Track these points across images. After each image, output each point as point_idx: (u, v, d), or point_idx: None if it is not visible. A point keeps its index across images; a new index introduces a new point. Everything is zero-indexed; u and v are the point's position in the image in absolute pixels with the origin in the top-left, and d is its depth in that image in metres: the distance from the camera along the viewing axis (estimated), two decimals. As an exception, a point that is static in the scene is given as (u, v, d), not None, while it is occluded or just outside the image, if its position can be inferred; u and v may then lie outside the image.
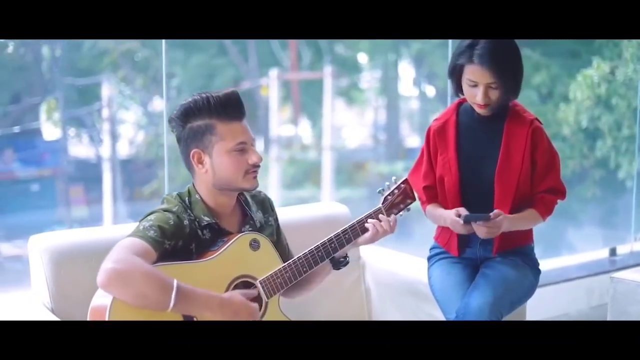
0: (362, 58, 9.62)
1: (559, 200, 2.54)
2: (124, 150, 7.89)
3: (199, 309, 1.95)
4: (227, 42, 8.20)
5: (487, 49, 2.34)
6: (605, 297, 3.90)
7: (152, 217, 2.05)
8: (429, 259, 2.65)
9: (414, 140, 9.95)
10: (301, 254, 2.19)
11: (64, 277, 2.25)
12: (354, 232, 2.26)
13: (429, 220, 2.62)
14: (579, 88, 5.61)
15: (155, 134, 7.63)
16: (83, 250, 2.29)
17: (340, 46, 9.06)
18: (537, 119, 2.49)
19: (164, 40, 3.38)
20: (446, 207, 2.49)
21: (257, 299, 2.11)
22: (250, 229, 2.20)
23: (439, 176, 2.52)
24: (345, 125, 9.88)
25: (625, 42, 5.45)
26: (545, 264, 4.15)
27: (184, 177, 2.38)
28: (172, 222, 2.04)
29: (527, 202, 2.49)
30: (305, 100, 9.26)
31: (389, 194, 2.34)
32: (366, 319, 2.93)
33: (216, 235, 2.13)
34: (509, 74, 2.38)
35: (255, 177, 2.16)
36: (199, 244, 2.10)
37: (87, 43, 6.79)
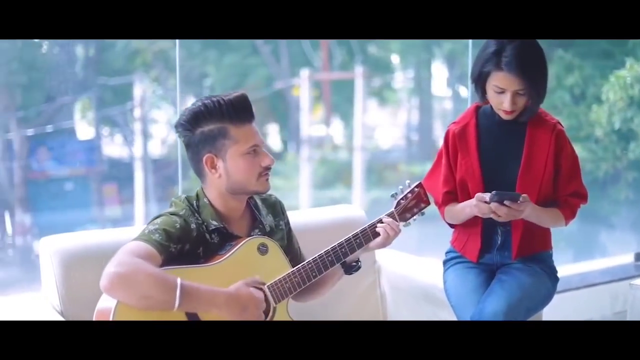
0: (395, 58, 9.56)
1: (581, 205, 2.51)
2: (156, 149, 7.93)
3: (204, 306, 1.94)
4: (259, 42, 8.20)
5: (514, 55, 2.30)
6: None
7: (158, 220, 2.05)
8: (445, 263, 2.63)
9: (447, 142, 9.83)
10: (310, 259, 2.18)
11: (74, 280, 2.26)
12: (365, 236, 2.24)
13: (445, 223, 2.59)
14: (612, 89, 5.50)
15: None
16: (93, 252, 2.30)
17: (373, 46, 9.00)
18: (559, 122, 2.45)
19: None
20: None
21: (265, 303, 2.10)
22: (259, 233, 2.19)
23: (460, 180, 2.49)
24: (378, 125, 9.82)
25: (659, 42, 5.35)
26: (568, 270, 4.08)
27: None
28: (178, 226, 2.04)
29: (549, 206, 2.45)
30: (337, 100, 9.22)
31: (402, 198, 2.31)
32: (382, 323, 2.91)
33: (224, 239, 2.12)
34: (536, 81, 2.34)
35: (267, 180, 2.16)
36: (206, 247, 2.09)
37: (120, 43, 6.85)
